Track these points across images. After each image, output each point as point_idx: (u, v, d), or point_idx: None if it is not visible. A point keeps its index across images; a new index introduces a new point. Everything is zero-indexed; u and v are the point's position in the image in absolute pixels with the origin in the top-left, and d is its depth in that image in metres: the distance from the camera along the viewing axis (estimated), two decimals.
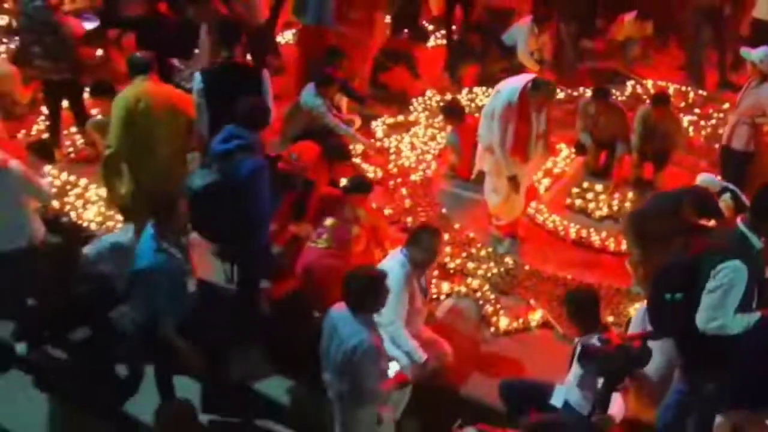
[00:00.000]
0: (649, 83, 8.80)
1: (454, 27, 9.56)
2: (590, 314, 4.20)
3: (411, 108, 8.36)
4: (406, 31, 9.46)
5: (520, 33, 8.41)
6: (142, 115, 5.04)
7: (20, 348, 5.51)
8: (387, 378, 4.19)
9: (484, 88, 8.57)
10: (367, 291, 3.97)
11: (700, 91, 8.75)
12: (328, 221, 5.20)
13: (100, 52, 8.71)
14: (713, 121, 8.11)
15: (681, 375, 4.08)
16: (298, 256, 5.26)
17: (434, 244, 4.73)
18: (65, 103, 7.41)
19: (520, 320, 5.42)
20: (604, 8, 9.73)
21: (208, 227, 5.05)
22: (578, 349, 4.13)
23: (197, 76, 5.42)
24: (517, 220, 6.26)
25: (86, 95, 7.22)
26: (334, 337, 4.03)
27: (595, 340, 3.79)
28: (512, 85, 5.86)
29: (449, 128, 7.36)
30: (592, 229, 6.43)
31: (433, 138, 7.79)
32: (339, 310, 4.07)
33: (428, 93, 8.61)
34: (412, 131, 7.89)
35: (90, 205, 6.66)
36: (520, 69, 8.11)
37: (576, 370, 4.21)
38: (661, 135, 6.87)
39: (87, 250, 5.50)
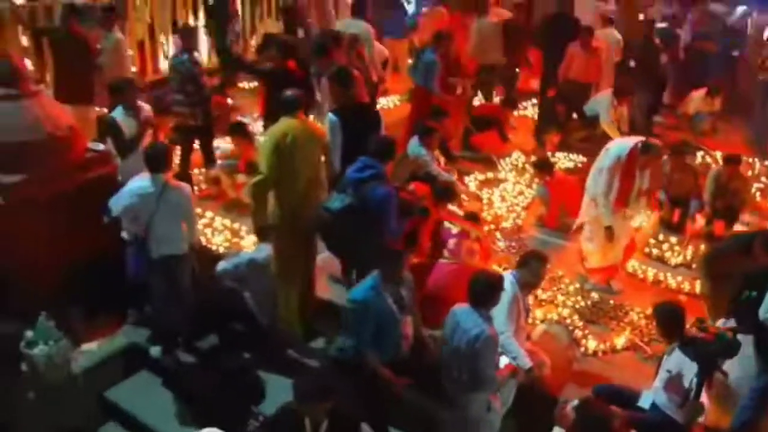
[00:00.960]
0: (718, 154, 9.49)
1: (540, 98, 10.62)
2: (677, 324, 4.92)
3: (500, 167, 9.31)
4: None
5: (602, 104, 9.34)
6: (289, 147, 5.83)
7: (154, 351, 6.20)
8: (499, 368, 4.98)
9: (565, 153, 9.52)
10: (486, 290, 4.81)
11: (766, 162, 9.50)
12: (452, 241, 6.11)
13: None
14: None
15: (758, 371, 4.76)
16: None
17: (541, 268, 5.51)
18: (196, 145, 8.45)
19: (607, 343, 6.13)
20: (675, 84, 10.58)
21: (342, 245, 5.93)
22: (665, 358, 4.88)
23: (330, 115, 6.39)
24: (609, 268, 6.95)
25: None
26: (456, 330, 4.83)
27: (695, 330, 4.49)
28: (623, 143, 6.69)
29: (538, 182, 8.23)
30: (668, 273, 7.17)
31: (521, 193, 8.68)
32: (461, 307, 4.90)
33: (515, 154, 9.58)
34: (502, 186, 8.81)
35: (217, 233, 7.70)
36: (600, 137, 9.08)
37: (662, 374, 4.92)
38: (731, 193, 7.63)
39: (222, 264, 6.37)
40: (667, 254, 7.51)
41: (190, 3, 11.92)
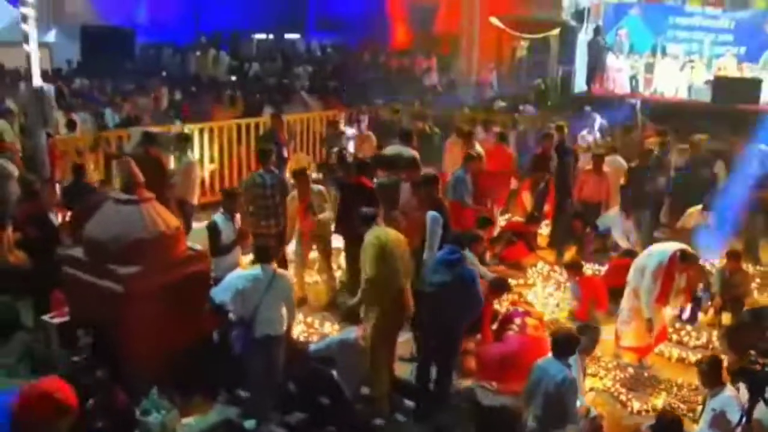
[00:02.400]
0: (716, 262, 10.79)
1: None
2: (719, 370, 5.98)
3: (528, 274, 10.49)
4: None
5: (613, 220, 10.71)
6: (389, 250, 6.97)
7: (249, 424, 6.92)
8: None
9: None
10: (567, 342, 5.91)
11: (758, 267, 10.79)
12: (518, 319, 7.23)
13: None
14: None
15: None
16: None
17: (597, 336, 6.63)
18: None
19: (649, 404, 7.16)
20: (674, 202, 11.96)
21: (439, 314, 6.97)
22: (708, 402, 5.89)
23: (431, 213, 7.93)
24: (642, 348, 8.11)
25: None
26: (543, 378, 5.86)
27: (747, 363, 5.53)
28: (664, 249, 8.02)
29: (571, 280, 9.38)
30: (689, 352, 8.31)
31: (550, 294, 9.89)
32: (545, 359, 5.93)
33: (539, 264, 10.80)
34: (533, 290, 9.97)
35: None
36: (611, 248, 10.35)
37: (707, 415, 5.91)
38: (735, 285, 8.83)
39: (315, 345, 7.32)
40: (686, 338, 8.65)
41: None
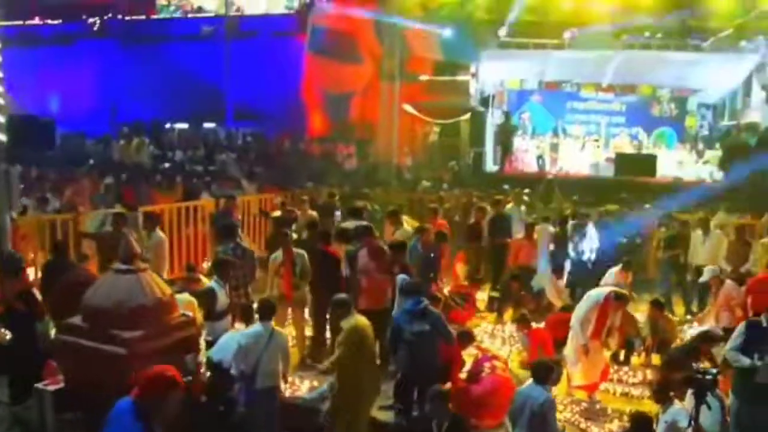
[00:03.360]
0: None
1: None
2: (666, 391, 7.06)
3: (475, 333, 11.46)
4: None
5: (545, 280, 11.92)
6: (364, 339, 7.84)
7: None
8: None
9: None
10: (545, 370, 6.88)
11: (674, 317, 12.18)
12: (487, 364, 8.19)
13: None
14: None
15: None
16: None
17: (561, 369, 7.63)
18: None
19: (605, 428, 8.23)
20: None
21: (418, 361, 7.83)
22: (660, 417, 6.94)
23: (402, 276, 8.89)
24: (590, 385, 9.18)
25: None
26: (526, 402, 6.79)
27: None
28: (600, 291, 9.35)
29: (521, 333, 10.38)
30: (630, 388, 9.43)
31: (499, 349, 10.81)
32: (527, 386, 6.88)
33: (482, 324, 11.84)
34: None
35: None
36: (546, 308, 11.52)
37: (661, 426, 6.94)
38: (661, 329, 10.08)
39: (310, 394, 8.04)
40: (624, 377, 9.85)
41: None
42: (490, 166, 22.83)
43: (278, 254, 10.05)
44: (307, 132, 26.40)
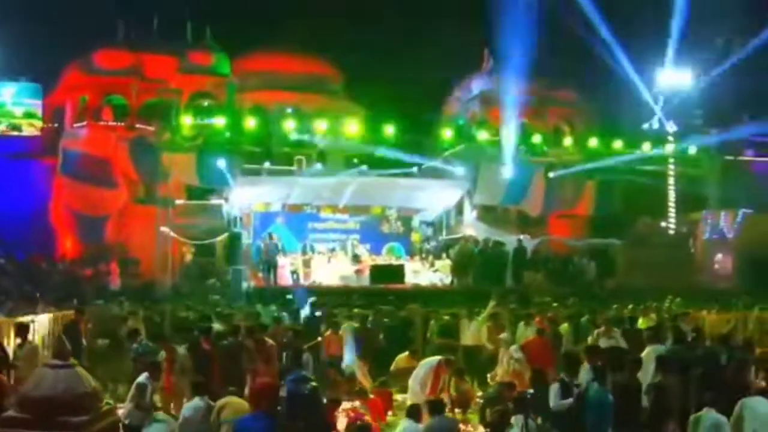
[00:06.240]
0: None
1: None
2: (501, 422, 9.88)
3: None
4: None
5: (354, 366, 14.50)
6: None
7: None
8: None
9: None
10: None
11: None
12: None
13: None
14: None
15: None
16: None
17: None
18: None
19: None
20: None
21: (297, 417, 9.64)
22: None
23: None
24: None
25: None
26: None
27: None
28: (432, 358, 11.95)
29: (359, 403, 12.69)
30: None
31: None
32: None
33: None
34: None
35: None
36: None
37: None
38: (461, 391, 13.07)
39: None
40: None
41: None
42: (248, 283, 24.72)
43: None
44: (61, 253, 26.55)
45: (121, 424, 9.83)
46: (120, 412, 10.00)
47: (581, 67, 29.38)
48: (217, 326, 13.70)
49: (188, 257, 26.83)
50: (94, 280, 23.30)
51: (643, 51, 29.06)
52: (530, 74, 29.97)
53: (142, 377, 10.20)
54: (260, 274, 25.08)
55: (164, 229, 26.13)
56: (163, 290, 23.45)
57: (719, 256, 27.15)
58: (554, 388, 9.56)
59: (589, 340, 13.56)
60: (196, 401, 9.23)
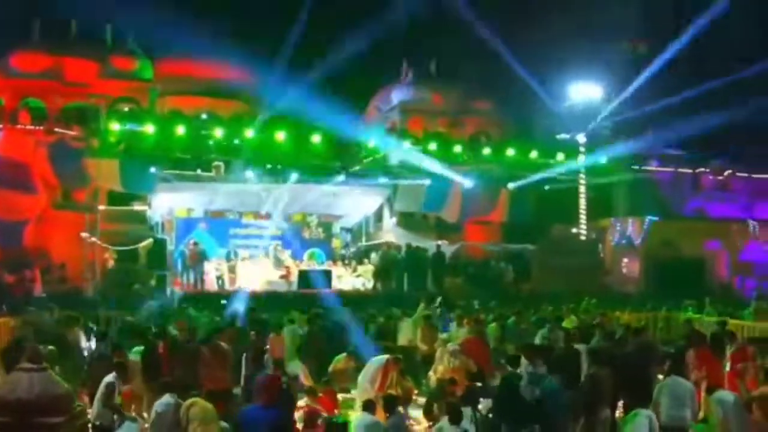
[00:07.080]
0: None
1: None
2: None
3: None
4: None
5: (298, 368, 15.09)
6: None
7: None
8: None
9: None
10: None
11: None
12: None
13: None
14: None
15: None
16: None
17: None
18: None
19: None
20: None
21: None
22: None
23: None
24: None
25: None
26: None
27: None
28: (381, 357, 12.64)
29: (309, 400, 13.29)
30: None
31: None
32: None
33: None
34: None
35: None
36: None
37: None
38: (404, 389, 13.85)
39: None
40: None
41: None
42: (173, 288, 24.86)
43: None
44: None
45: (90, 425, 10.16)
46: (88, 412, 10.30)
47: (498, 79, 30.81)
48: (173, 331, 14.00)
49: (110, 263, 26.59)
50: (18, 286, 22.90)
51: (556, 64, 30.80)
52: (448, 85, 31.34)
53: (110, 377, 10.50)
54: (183, 280, 25.27)
55: (85, 234, 25.86)
56: (88, 296, 23.29)
57: (626, 260, 29.03)
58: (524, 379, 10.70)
59: (537, 339, 14.83)
60: (167, 398, 9.62)
